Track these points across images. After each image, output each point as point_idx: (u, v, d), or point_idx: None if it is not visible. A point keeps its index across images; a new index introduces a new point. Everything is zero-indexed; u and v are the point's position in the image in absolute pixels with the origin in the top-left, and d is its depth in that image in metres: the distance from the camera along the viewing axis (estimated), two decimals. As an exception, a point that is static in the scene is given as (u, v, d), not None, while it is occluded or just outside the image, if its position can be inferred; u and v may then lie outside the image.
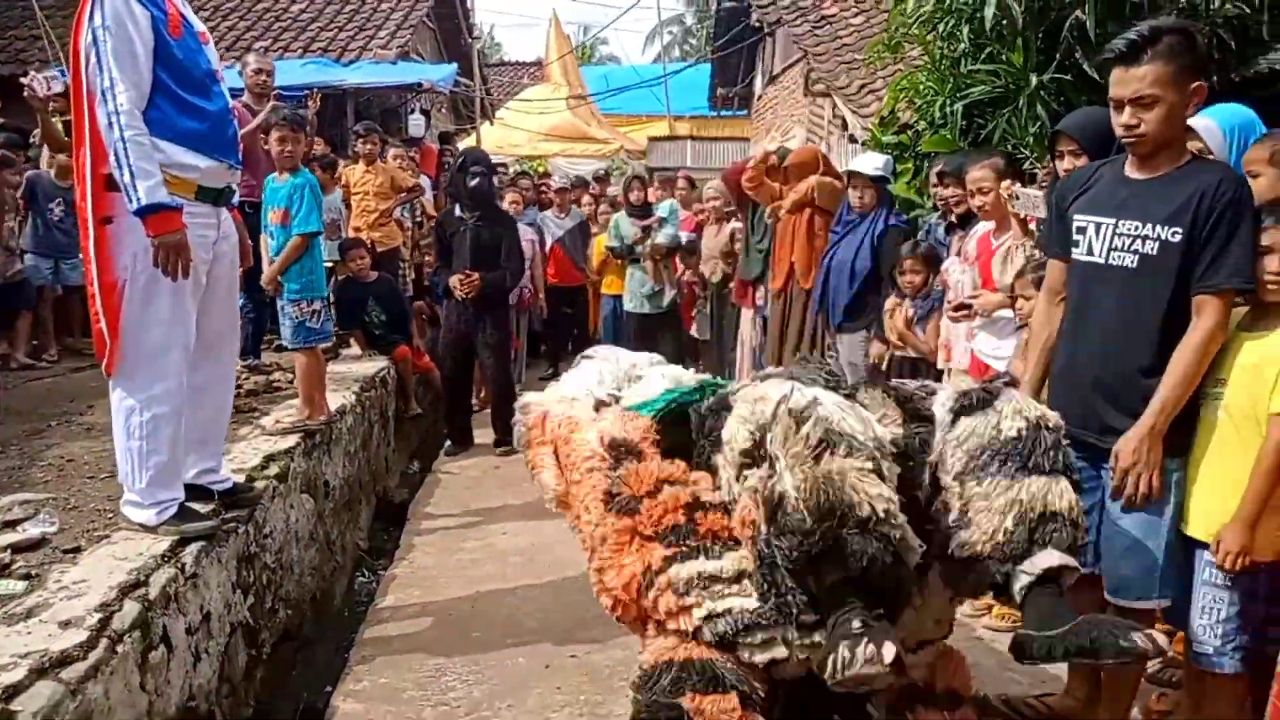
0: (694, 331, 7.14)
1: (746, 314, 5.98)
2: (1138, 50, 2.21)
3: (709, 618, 2.02)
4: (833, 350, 4.90)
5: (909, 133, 6.04)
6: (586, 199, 8.57)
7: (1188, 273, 2.22)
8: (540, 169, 12.66)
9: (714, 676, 1.98)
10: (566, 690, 2.98)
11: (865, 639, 1.76)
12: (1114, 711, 2.50)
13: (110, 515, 2.98)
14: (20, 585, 2.47)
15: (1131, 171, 2.35)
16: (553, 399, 2.69)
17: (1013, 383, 2.39)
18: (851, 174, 4.92)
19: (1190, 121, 2.39)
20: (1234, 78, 4.77)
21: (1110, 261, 2.32)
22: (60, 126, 5.37)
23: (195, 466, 3.06)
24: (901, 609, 1.99)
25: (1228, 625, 2.25)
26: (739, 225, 6.08)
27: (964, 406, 2.10)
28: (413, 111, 11.09)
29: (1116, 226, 2.31)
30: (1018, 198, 3.45)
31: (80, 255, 3.26)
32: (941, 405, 2.15)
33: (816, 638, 1.93)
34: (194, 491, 3.00)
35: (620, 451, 2.25)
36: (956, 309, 3.69)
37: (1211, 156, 2.66)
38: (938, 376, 3.87)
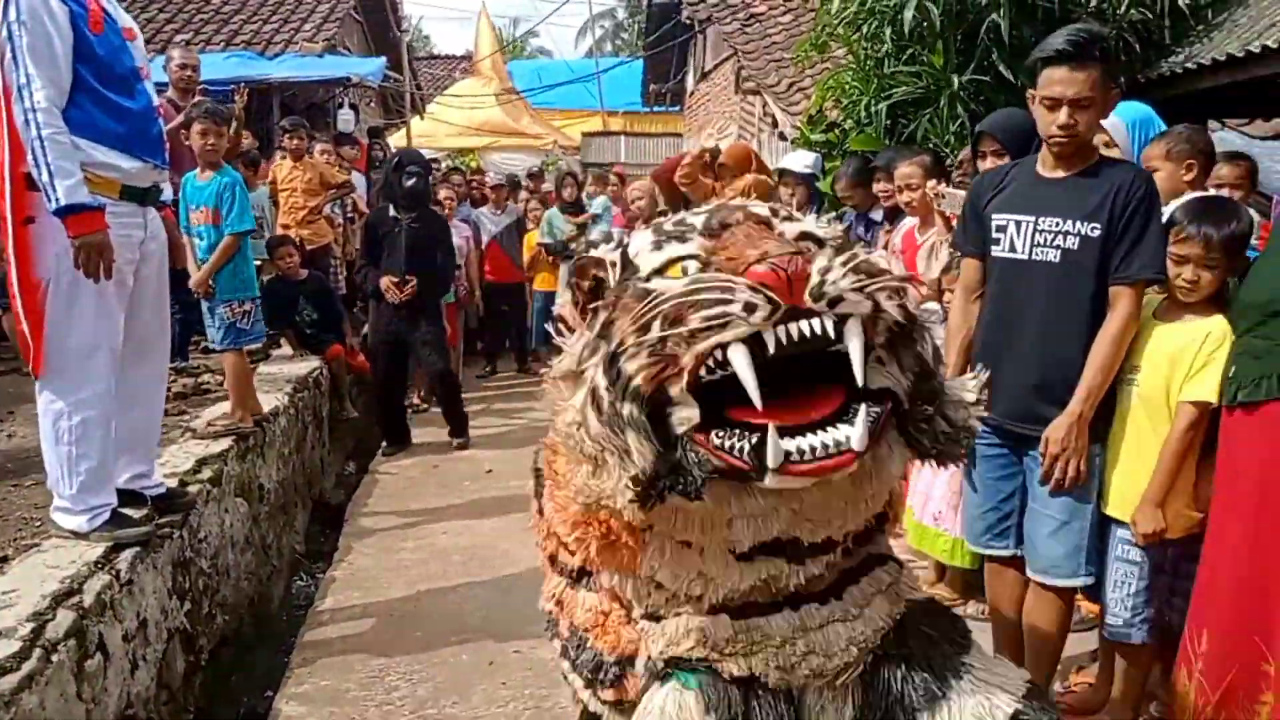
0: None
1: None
2: (1082, 51, 2.24)
3: None
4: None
5: (836, 131, 6.18)
6: (523, 194, 8.55)
7: (1107, 266, 2.31)
8: (473, 163, 12.56)
9: None
10: (511, 685, 3.01)
11: None
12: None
13: (39, 523, 2.92)
14: (-54, 598, 2.40)
15: (1045, 170, 2.42)
16: None
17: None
18: (782, 172, 5.02)
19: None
20: (1140, 79, 5.04)
21: (1034, 257, 2.38)
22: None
23: (127, 471, 3.00)
24: None
25: (1137, 599, 2.38)
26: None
27: None
28: (341, 106, 10.92)
29: (1037, 224, 2.37)
30: (944, 196, 3.56)
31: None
32: None
33: None
34: (126, 496, 2.93)
35: None
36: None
37: (1116, 150, 2.81)
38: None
